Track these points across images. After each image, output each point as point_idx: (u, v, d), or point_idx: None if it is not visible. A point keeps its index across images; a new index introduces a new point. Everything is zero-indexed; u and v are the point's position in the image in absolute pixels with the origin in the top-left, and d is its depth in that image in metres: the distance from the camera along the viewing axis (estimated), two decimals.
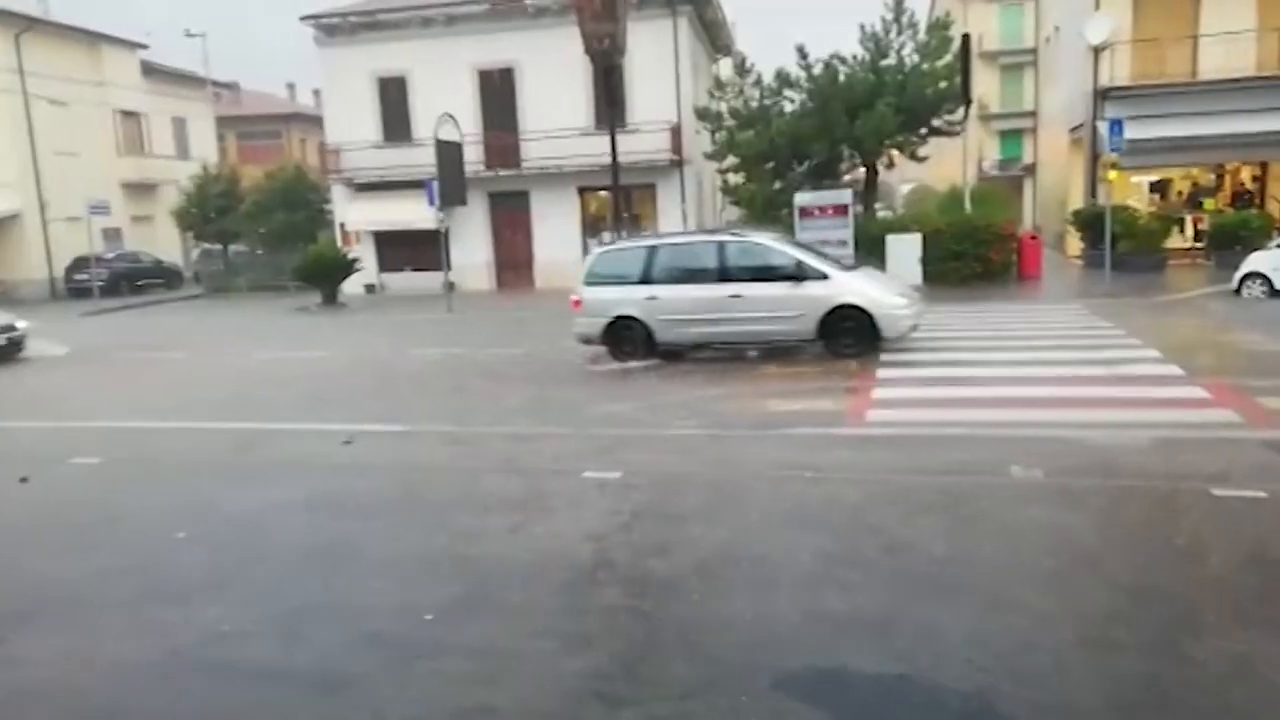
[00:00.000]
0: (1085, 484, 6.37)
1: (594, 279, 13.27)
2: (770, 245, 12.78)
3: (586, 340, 13.27)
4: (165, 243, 36.55)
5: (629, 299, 12.74)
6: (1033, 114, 40.05)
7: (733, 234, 13.69)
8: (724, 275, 12.43)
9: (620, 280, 12.97)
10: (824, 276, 12.10)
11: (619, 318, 12.80)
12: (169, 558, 5.73)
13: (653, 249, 13.22)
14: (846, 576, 4.90)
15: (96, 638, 4.60)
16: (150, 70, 38.39)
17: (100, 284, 29.24)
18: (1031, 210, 39.58)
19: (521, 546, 5.66)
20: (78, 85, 33.98)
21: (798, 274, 12.11)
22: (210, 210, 33.13)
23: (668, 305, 12.53)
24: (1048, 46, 33.96)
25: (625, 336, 12.84)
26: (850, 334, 11.97)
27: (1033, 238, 22.85)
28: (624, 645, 4.23)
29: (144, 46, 38.10)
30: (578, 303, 13.27)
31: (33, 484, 7.70)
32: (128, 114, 36.80)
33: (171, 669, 4.17)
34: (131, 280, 32.45)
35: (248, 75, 51.64)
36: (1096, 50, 22.60)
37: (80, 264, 30.64)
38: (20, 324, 16.93)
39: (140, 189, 36.94)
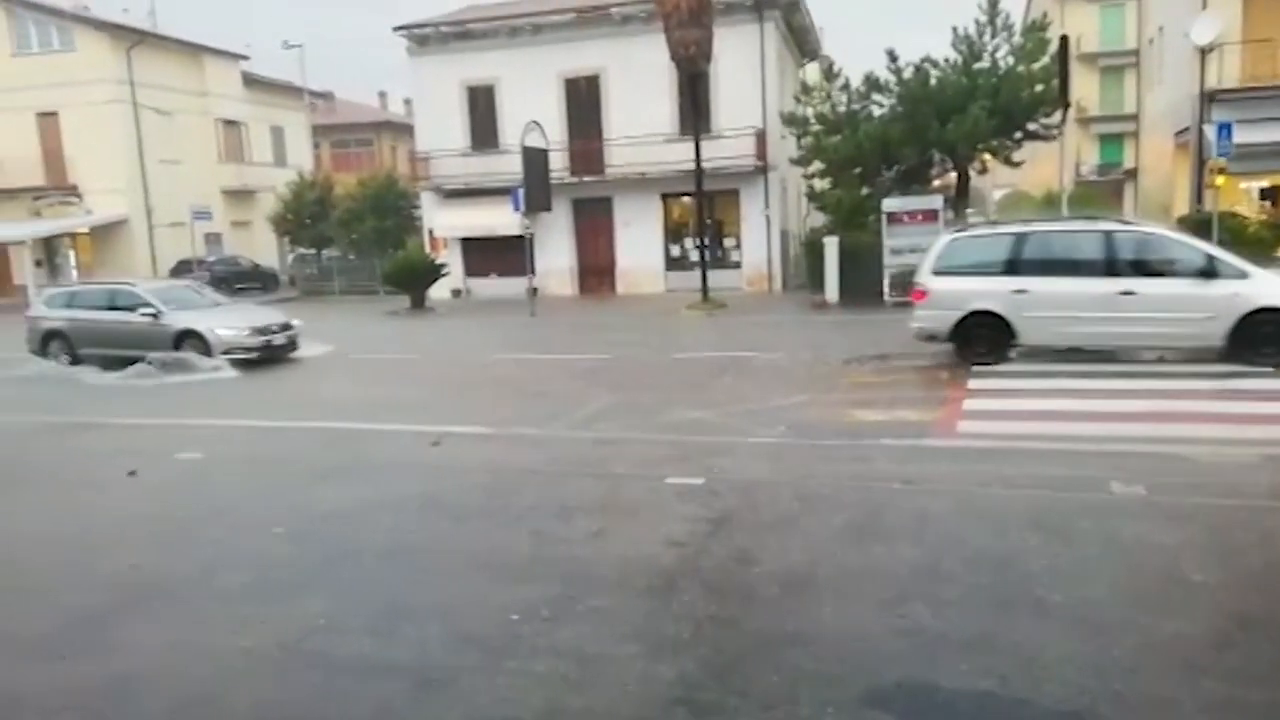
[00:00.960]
0: (1191, 502, 6.10)
1: (945, 268, 11.90)
2: (1172, 236, 11.68)
3: (930, 337, 12.15)
4: (262, 247, 37.92)
5: (990, 291, 11.46)
6: (1134, 117, 38.61)
7: (1121, 221, 12.58)
8: (1111, 268, 11.11)
9: (979, 270, 11.70)
10: (1243, 275, 10.70)
11: (975, 313, 11.55)
12: (266, 552, 5.92)
13: (1021, 236, 11.82)
14: (936, 591, 4.79)
15: (201, 626, 4.78)
16: (250, 81, 39.93)
17: None
18: (1133, 216, 38.14)
19: (605, 551, 5.68)
20: (182, 95, 35.55)
21: (1208, 269, 10.77)
22: (305, 216, 34.25)
23: (1041, 300, 11.22)
24: (1151, 47, 32.73)
25: (980, 335, 11.63)
26: (1273, 341, 10.53)
27: None
28: (710, 653, 4.21)
29: (245, 58, 39.68)
30: (921, 294, 12.01)
31: (140, 478, 8.04)
32: (229, 123, 38.35)
33: (273, 660, 4.30)
34: (230, 283, 33.73)
35: (342, 85, 53.23)
36: (1203, 51, 21.64)
37: (183, 267, 31.98)
38: (296, 322, 16.63)
39: (240, 195, 38.43)
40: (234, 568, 5.64)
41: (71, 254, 35.23)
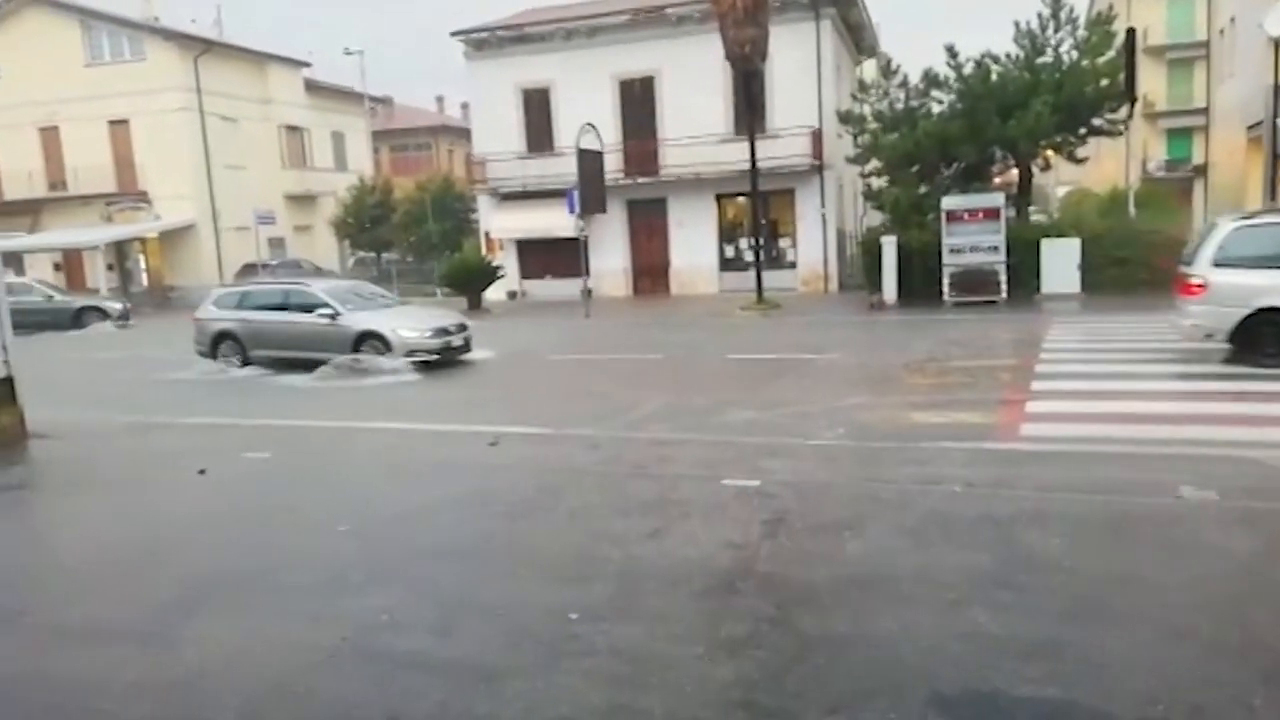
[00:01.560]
0: (1265, 508, 5.90)
1: (1227, 259, 10.67)
2: None
3: (1207, 335, 10.99)
4: (324, 250, 38.74)
5: None
6: (1204, 111, 37.46)
7: None
8: None
9: (1269, 263, 10.47)
10: None
11: (1265, 309, 10.38)
12: (332, 549, 6.03)
13: None
14: (1000, 596, 4.69)
15: (272, 620, 4.90)
16: (312, 87, 40.82)
17: None
18: (1202, 214, 37.02)
19: (661, 551, 5.68)
20: (247, 103, 36.49)
21: None
22: (365, 220, 34.94)
23: None
24: (1222, 39, 31.75)
25: (1268, 334, 10.50)
26: None
27: None
28: (769, 655, 4.18)
29: (307, 65, 40.58)
30: (1196, 288, 10.81)
31: (209, 476, 8.26)
32: (291, 129, 39.25)
33: (338, 655, 4.39)
34: None
35: (401, 90, 54.15)
36: (1277, 42, 20.90)
37: (247, 270, 32.79)
38: (470, 323, 16.31)
39: (301, 200, 39.29)
40: (301, 564, 5.76)
41: (141, 258, 36.37)
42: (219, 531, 6.64)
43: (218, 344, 15.85)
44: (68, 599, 5.44)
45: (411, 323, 15.19)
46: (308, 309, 15.20)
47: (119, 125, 34.56)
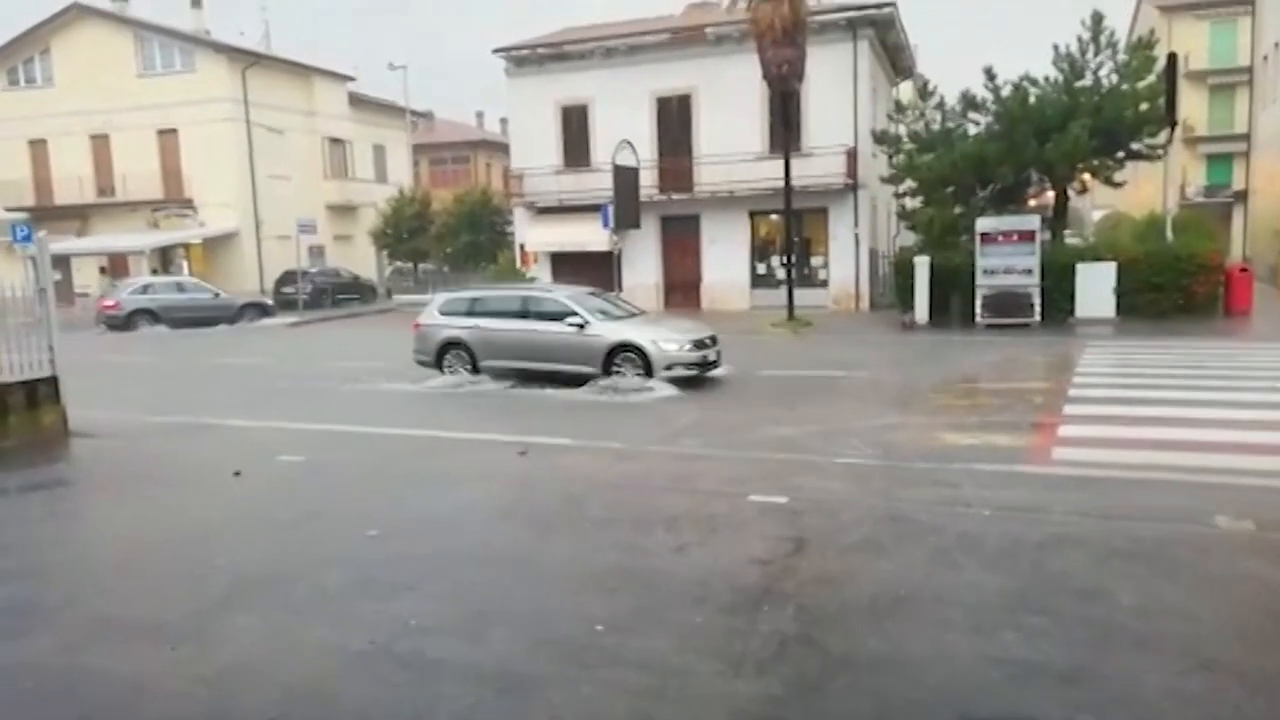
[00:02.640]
0: None
1: None
2: None
3: None
4: (362, 260, 39.21)
5: None
6: (1245, 137, 36.94)
7: None
8: None
9: None
10: None
11: None
12: (363, 553, 6.14)
13: None
14: (1030, 621, 4.67)
15: (302, 622, 5.00)
16: (355, 100, 41.46)
17: (305, 297, 31.69)
18: (1242, 240, 36.48)
19: (688, 565, 5.71)
20: (292, 114, 37.15)
21: None
22: (404, 231, 35.34)
23: None
24: (1265, 64, 31.34)
25: None
26: None
27: (1243, 270, 21.07)
28: (795, 673, 4.20)
29: (351, 79, 41.23)
30: None
31: (245, 478, 8.42)
32: (334, 141, 39.88)
33: (367, 658, 4.46)
34: (332, 294, 34.99)
35: (442, 105, 54.76)
36: None
37: (288, 278, 33.27)
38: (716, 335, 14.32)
39: (342, 210, 39.86)
40: (331, 566, 5.87)
41: (185, 263, 37.03)
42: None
43: (444, 353, 14.67)
44: (104, 596, 5.59)
45: (668, 334, 13.78)
46: (552, 317, 13.94)
47: (168, 134, 35.31)
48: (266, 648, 4.65)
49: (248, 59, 35.74)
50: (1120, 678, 4.04)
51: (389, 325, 28.40)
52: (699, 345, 13.64)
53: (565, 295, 14.52)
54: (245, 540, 6.63)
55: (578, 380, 13.50)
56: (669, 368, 13.24)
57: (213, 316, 27.69)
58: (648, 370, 13.25)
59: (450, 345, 14.67)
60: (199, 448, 10.16)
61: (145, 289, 28.48)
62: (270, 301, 30.76)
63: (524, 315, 14.34)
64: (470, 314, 14.74)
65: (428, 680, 4.22)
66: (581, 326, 13.68)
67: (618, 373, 13.35)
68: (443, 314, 15.04)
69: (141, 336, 25.87)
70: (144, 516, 7.47)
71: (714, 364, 13.96)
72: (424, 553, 6.14)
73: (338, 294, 35.38)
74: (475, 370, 14.41)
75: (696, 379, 13.51)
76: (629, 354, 13.40)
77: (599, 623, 4.78)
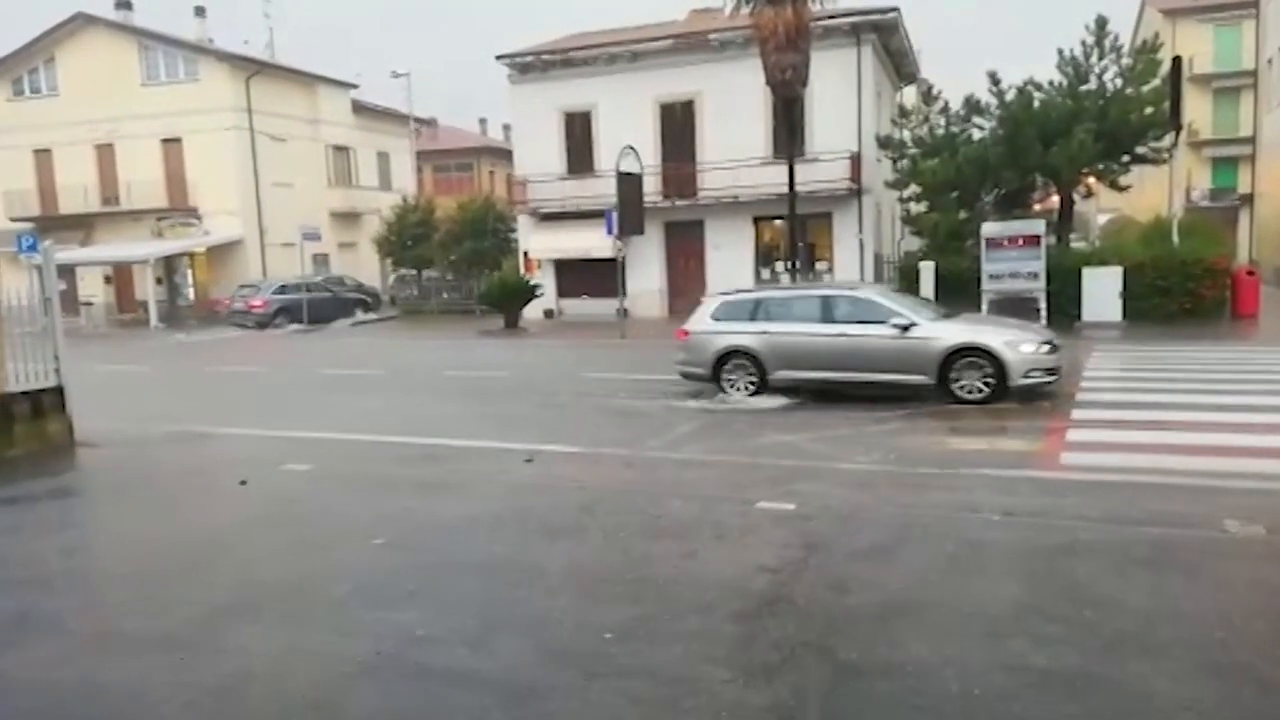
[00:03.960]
0: None
1: None
2: None
3: None
4: (366, 267, 39.27)
5: None
6: (1250, 140, 36.91)
7: None
8: None
9: None
10: None
11: None
12: (368, 562, 6.11)
13: None
14: (1042, 628, 4.63)
15: (308, 631, 4.97)
16: (359, 108, 41.56)
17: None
18: (1248, 244, 36.40)
19: (696, 573, 5.68)
20: (296, 122, 37.25)
21: None
22: (407, 238, 35.35)
23: None
24: (1270, 68, 31.29)
25: None
26: None
27: (1250, 273, 21.02)
28: (804, 681, 4.16)
29: (355, 86, 41.36)
30: None
31: (250, 486, 8.40)
32: (338, 148, 39.98)
33: (375, 668, 4.43)
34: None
35: (445, 112, 54.97)
36: None
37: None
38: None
39: (346, 217, 39.95)
40: (337, 576, 5.84)
41: (189, 272, 37.11)
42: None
43: (722, 364, 12.82)
44: (107, 608, 5.57)
45: (1016, 334, 11.84)
46: (864, 319, 12.07)
47: (172, 143, 35.39)
48: (272, 658, 4.63)
49: (251, 67, 35.84)
50: (1133, 684, 4.00)
51: (383, 332, 28.43)
52: (1052, 347, 11.64)
53: (878, 293, 12.85)
54: (250, 550, 6.61)
55: (897, 393, 11.73)
56: (1026, 375, 11.27)
57: (332, 312, 31.36)
58: (1000, 379, 11.23)
59: (730, 355, 12.78)
60: (213, 455, 10.14)
61: (283, 289, 31.18)
62: (374, 295, 34.14)
63: (827, 318, 12.41)
64: (755, 318, 12.89)
65: (434, 690, 4.19)
66: (906, 328, 11.72)
67: (956, 382, 11.44)
68: (718, 319, 13.17)
69: (287, 334, 28.63)
70: (148, 526, 7.46)
71: (1059, 370, 11.80)
72: (431, 561, 6.11)
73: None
74: (763, 383, 12.54)
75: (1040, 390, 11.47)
76: (973, 359, 11.38)
77: (607, 631, 4.74)
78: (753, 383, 12.65)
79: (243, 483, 8.42)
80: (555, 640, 4.69)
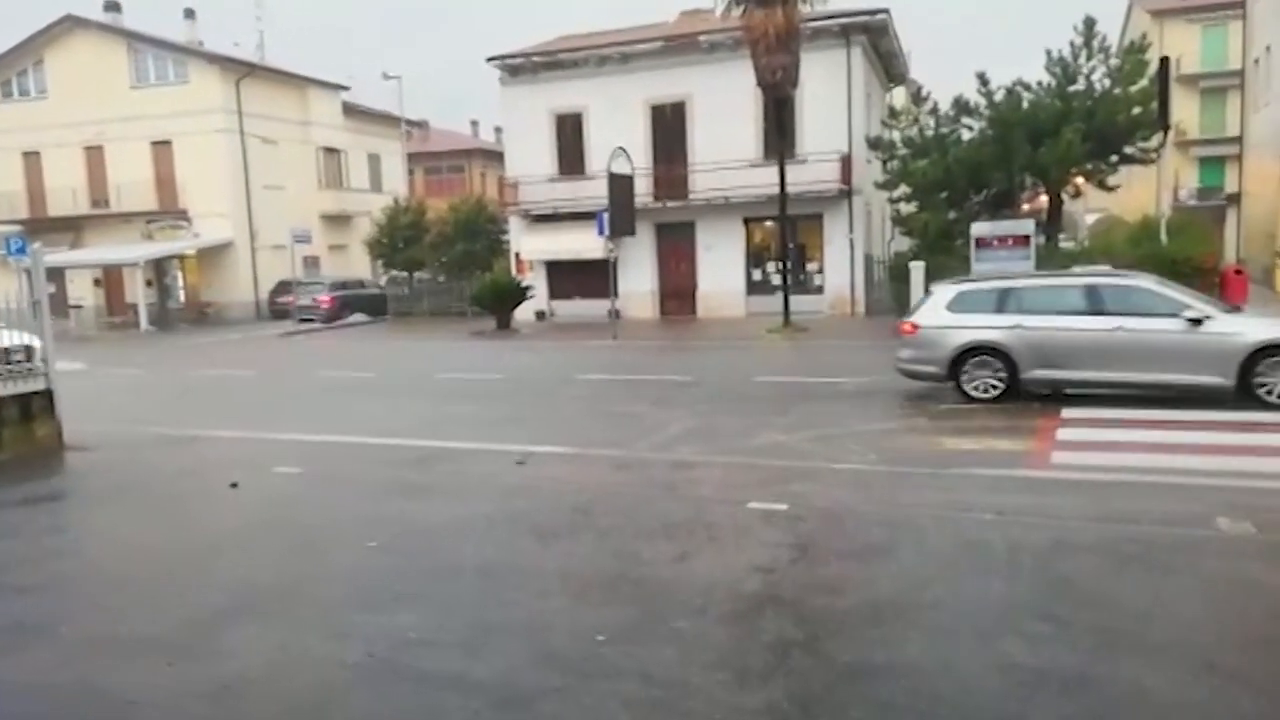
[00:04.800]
0: None
1: None
2: None
3: None
4: (357, 269, 39.16)
5: None
6: (1238, 140, 37.09)
7: None
8: None
9: None
10: None
11: None
12: (361, 565, 6.10)
13: None
14: (1034, 628, 4.65)
15: (301, 634, 4.96)
16: (350, 110, 41.45)
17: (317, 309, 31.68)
18: (1235, 242, 36.59)
19: (688, 574, 5.68)
20: (286, 124, 37.13)
21: None
22: (398, 240, 35.27)
23: None
24: (1257, 68, 31.46)
25: None
26: None
27: (1238, 272, 21.11)
28: (799, 684, 4.17)
29: (345, 88, 41.25)
30: None
31: (241, 489, 8.36)
32: (329, 151, 39.86)
33: (368, 671, 4.42)
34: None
35: (437, 114, 54.90)
36: None
37: (282, 288, 33.20)
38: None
39: (337, 220, 39.84)
40: (332, 579, 5.83)
41: (179, 275, 36.97)
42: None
43: (962, 361, 11.51)
44: (101, 611, 5.54)
45: None
46: (1147, 312, 10.78)
47: (162, 145, 35.24)
48: (264, 661, 4.61)
49: (241, 70, 35.72)
50: (1125, 684, 4.01)
51: (375, 334, 28.37)
52: None
53: (1156, 282, 11.40)
54: (243, 553, 6.58)
55: (1186, 396, 10.59)
56: None
57: (371, 308, 33.62)
58: None
59: (973, 351, 11.46)
60: (204, 458, 10.09)
61: (343, 285, 33.87)
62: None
63: (1096, 309, 11.01)
64: (1003, 310, 11.48)
65: (426, 693, 4.18)
66: (1199, 322, 10.46)
67: (1262, 386, 10.20)
68: (955, 311, 11.78)
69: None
70: (139, 530, 7.42)
71: None
72: (423, 564, 6.10)
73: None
74: (1013, 382, 11.26)
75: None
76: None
77: (601, 634, 4.74)
78: (998, 383, 11.32)
79: (234, 485, 8.39)
80: (548, 643, 4.68)
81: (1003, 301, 11.60)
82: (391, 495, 8.13)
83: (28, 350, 10.48)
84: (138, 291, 33.58)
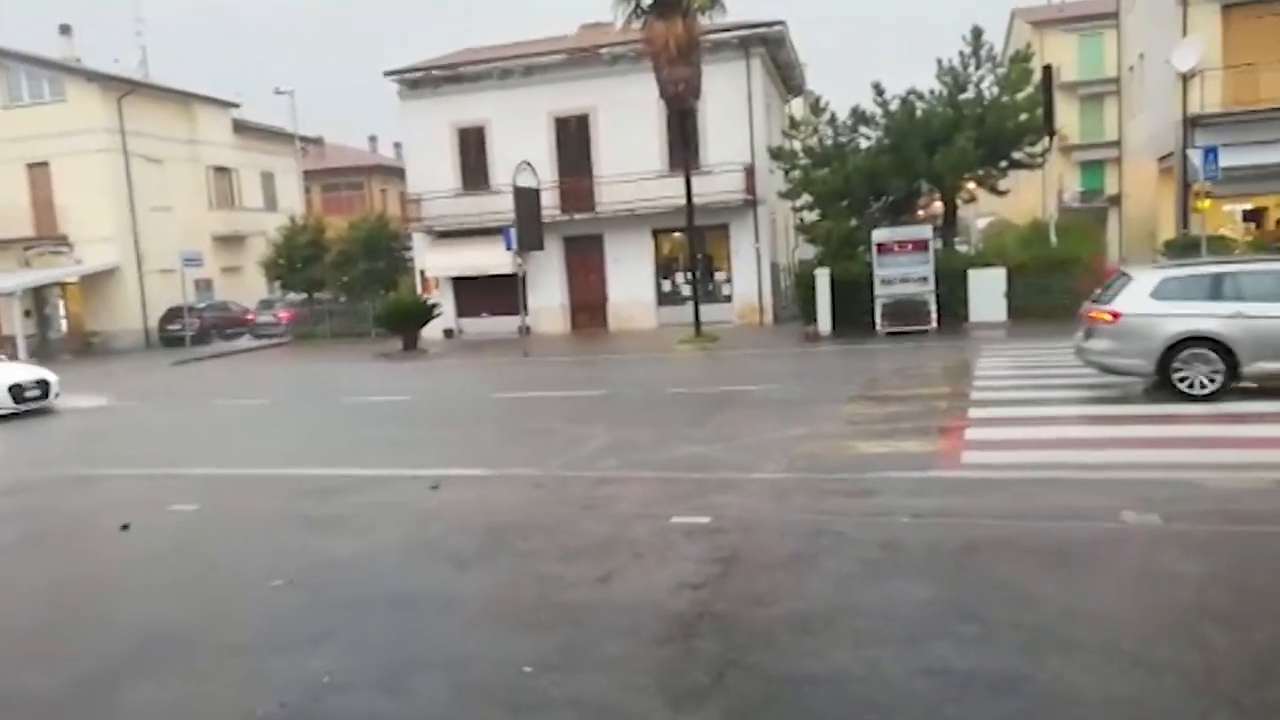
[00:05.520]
0: (1208, 530, 6.02)
1: None
2: None
3: None
4: (254, 292, 37.82)
5: None
6: (1116, 144, 38.98)
7: None
8: None
9: None
10: None
11: None
12: (268, 605, 5.77)
13: None
14: (959, 629, 4.67)
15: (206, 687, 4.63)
16: (241, 127, 40.06)
17: (192, 333, 30.35)
18: (1118, 242, 38.43)
19: (614, 595, 5.55)
20: (173, 143, 35.65)
21: None
22: (296, 260, 34.15)
23: None
24: (1131, 75, 33.15)
25: None
26: None
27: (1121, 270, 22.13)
28: (734, 701, 4.07)
29: (236, 105, 39.84)
30: None
31: (134, 531, 7.87)
32: (219, 169, 38.44)
33: None
34: (221, 329, 33.62)
35: (333, 130, 53.57)
36: (1185, 77, 21.93)
37: (173, 314, 31.84)
38: None
39: (230, 241, 38.41)
40: (236, 621, 5.49)
41: (61, 303, 35.05)
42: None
43: (1173, 354, 10.32)
44: None
45: None
46: None
47: (38, 168, 33.35)
48: (168, 718, 4.28)
49: (123, 87, 34.14)
50: (1054, 682, 4.05)
51: (273, 359, 27.42)
52: None
53: None
54: (138, 598, 6.17)
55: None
56: None
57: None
58: None
59: (1186, 343, 10.27)
60: (93, 499, 9.48)
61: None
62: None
63: None
64: (1219, 296, 10.36)
65: None
66: None
67: None
68: (1161, 299, 10.54)
69: None
70: (25, 577, 6.90)
71: None
72: (335, 600, 5.81)
73: (227, 329, 34.17)
74: (1231, 377, 10.14)
75: None
76: None
77: (527, 664, 4.56)
78: (1214, 377, 10.18)
79: (124, 527, 7.88)
80: (472, 676, 4.49)
81: (1218, 288, 10.46)
82: (298, 529, 7.76)
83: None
84: (15, 322, 31.69)
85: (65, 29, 36.58)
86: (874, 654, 4.44)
